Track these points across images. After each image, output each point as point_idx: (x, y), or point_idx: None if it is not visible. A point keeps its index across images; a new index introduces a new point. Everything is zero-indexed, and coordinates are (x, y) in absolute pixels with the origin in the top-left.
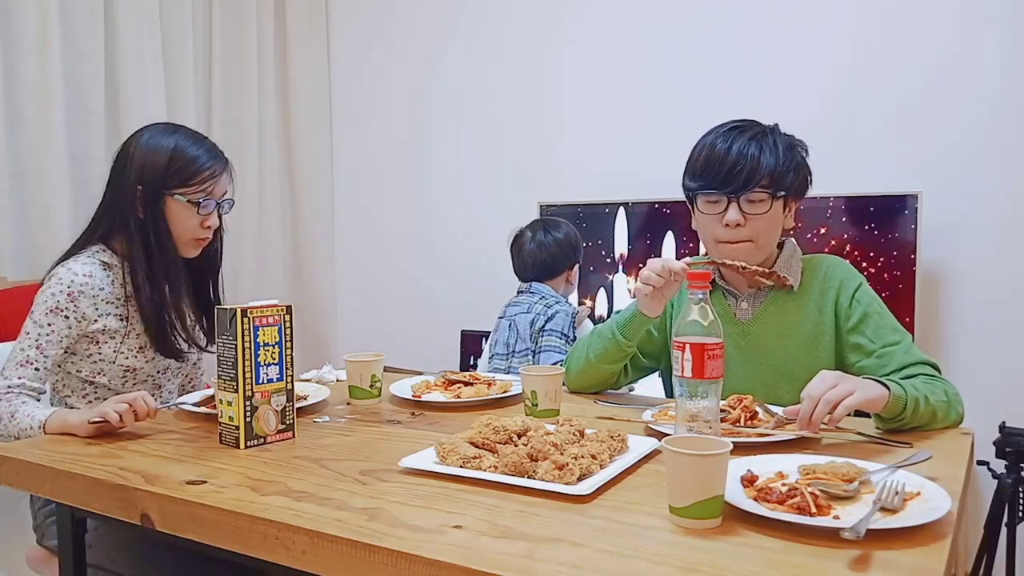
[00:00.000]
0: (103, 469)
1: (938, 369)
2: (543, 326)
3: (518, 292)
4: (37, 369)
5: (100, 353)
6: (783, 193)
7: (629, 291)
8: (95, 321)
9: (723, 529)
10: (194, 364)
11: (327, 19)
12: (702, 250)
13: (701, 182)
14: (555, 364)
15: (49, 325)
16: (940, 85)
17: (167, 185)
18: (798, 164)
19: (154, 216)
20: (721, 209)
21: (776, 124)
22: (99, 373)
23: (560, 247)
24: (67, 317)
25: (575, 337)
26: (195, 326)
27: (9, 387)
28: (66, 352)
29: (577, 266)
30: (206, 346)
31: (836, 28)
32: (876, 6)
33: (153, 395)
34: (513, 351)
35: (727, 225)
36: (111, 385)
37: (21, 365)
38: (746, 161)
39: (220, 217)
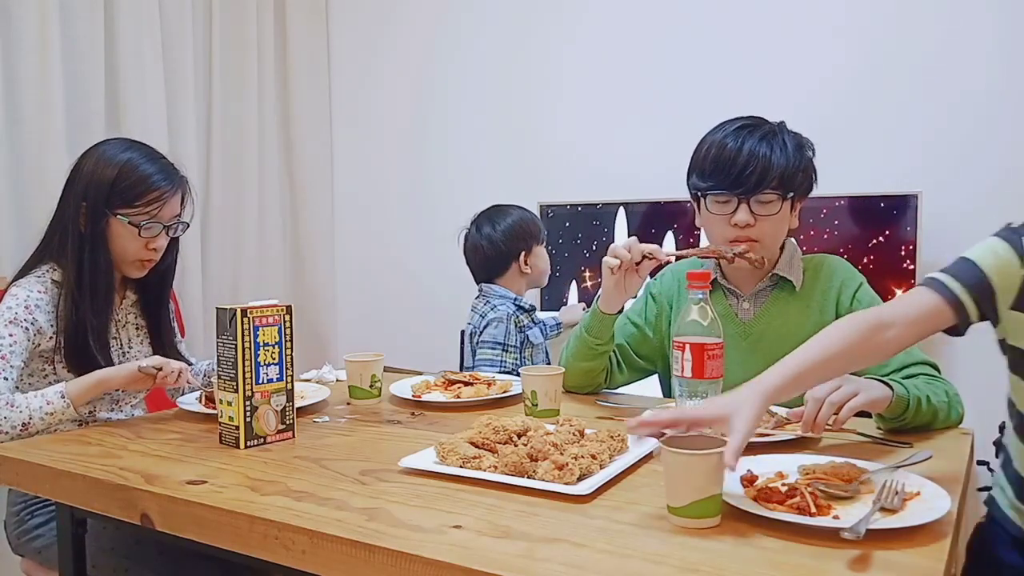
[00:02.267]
0: (103, 469)
1: (937, 369)
2: (479, 339)
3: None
4: (6, 379)
5: (55, 374)
6: (792, 194)
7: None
8: (50, 338)
9: (723, 529)
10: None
11: (327, 19)
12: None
13: (711, 182)
14: None
15: (10, 335)
16: (939, 85)
17: (111, 204)
18: (806, 164)
19: (94, 234)
20: (731, 210)
21: (783, 122)
22: None
23: (508, 237)
24: (26, 328)
25: (523, 341)
26: (141, 354)
27: None
28: (24, 367)
29: (536, 248)
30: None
31: (835, 27)
32: (876, 5)
33: (111, 410)
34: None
35: (735, 225)
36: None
37: None
38: (757, 161)
39: (176, 238)
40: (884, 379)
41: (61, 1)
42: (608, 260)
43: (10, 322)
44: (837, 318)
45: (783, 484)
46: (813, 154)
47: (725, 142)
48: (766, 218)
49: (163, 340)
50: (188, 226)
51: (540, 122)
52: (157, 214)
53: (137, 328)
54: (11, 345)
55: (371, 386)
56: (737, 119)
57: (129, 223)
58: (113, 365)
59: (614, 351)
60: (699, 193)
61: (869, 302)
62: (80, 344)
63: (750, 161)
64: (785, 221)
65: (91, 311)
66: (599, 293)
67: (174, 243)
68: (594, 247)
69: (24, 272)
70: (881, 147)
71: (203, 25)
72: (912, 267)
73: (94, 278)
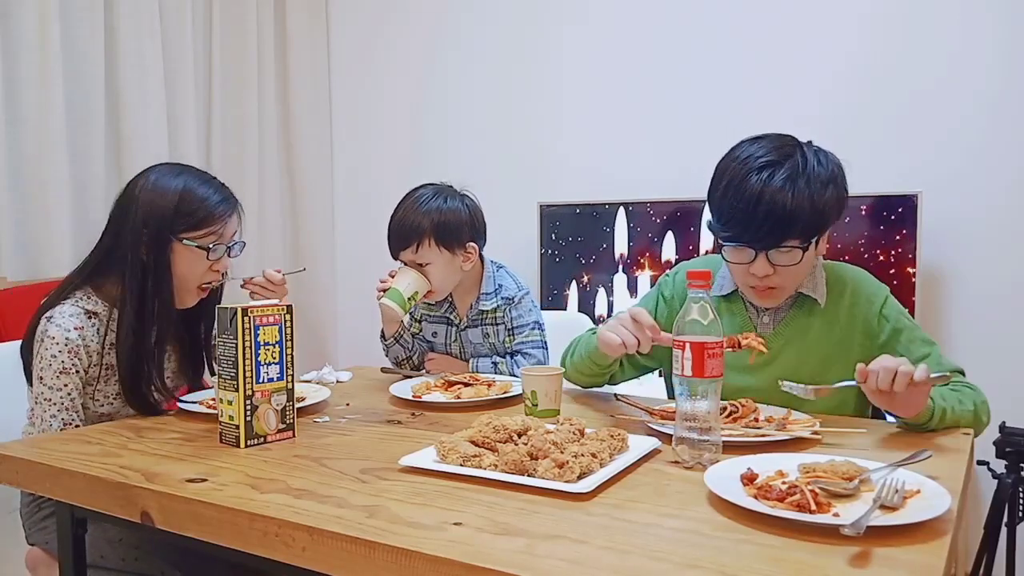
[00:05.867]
0: (103, 467)
1: (963, 373)
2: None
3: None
4: (77, 426)
5: (93, 398)
6: (817, 237)
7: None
8: (89, 370)
9: (723, 526)
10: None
11: (327, 19)
12: (702, 251)
13: (728, 232)
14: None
15: (66, 386)
16: (940, 85)
17: (175, 229)
18: (835, 199)
19: (157, 261)
20: (749, 259)
21: (810, 144)
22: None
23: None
24: (77, 372)
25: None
26: (170, 372)
27: None
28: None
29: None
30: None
31: (837, 28)
32: (876, 6)
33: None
34: None
35: (754, 275)
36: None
37: (62, 430)
38: (777, 214)
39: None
40: None
41: (61, 1)
42: (612, 339)
43: (61, 372)
44: (862, 335)
45: (783, 482)
46: (843, 177)
47: (744, 186)
48: (787, 268)
49: (199, 362)
50: (244, 245)
51: (540, 122)
52: (221, 234)
53: (171, 349)
54: (70, 395)
55: (408, 299)
56: (761, 145)
57: (197, 246)
58: (167, 389)
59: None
60: (717, 238)
61: (896, 317)
62: (140, 372)
63: (770, 214)
64: (809, 263)
65: (153, 339)
66: (600, 327)
67: None
68: (594, 247)
69: (58, 296)
70: (881, 147)
71: (203, 25)
72: (912, 267)
73: (156, 306)
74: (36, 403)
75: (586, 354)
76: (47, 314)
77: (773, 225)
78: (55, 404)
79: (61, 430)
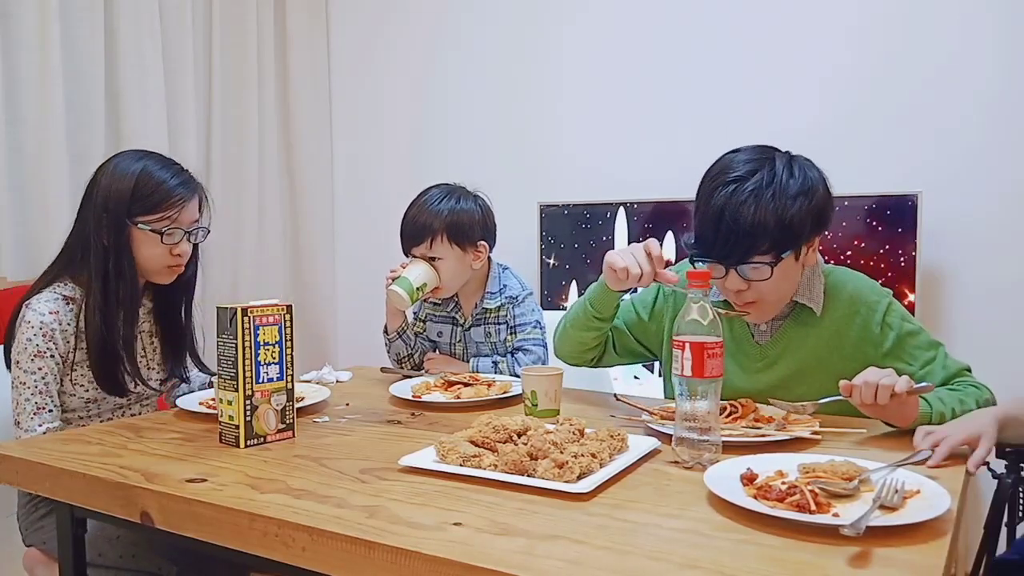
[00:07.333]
0: (103, 467)
1: (970, 371)
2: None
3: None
4: (51, 411)
5: (62, 384)
6: (788, 252)
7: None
8: (67, 355)
9: (723, 526)
10: (170, 390)
11: (327, 19)
12: None
13: (696, 248)
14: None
15: (40, 369)
16: (940, 85)
17: (131, 213)
18: (807, 212)
19: (117, 244)
20: (721, 275)
21: (788, 155)
22: (63, 403)
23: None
24: (52, 356)
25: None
26: (152, 360)
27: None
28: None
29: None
30: (160, 385)
31: (836, 28)
32: (876, 6)
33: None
34: None
35: (728, 290)
36: (76, 414)
37: (35, 414)
38: (738, 231)
39: (196, 246)
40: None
41: (61, 1)
42: (617, 261)
43: (36, 356)
44: (863, 343)
45: (783, 482)
46: (825, 187)
47: (710, 201)
48: (760, 282)
49: (180, 347)
50: (208, 232)
51: (540, 122)
52: (177, 219)
53: (151, 336)
54: (44, 378)
55: (417, 289)
56: (735, 158)
57: (151, 230)
58: (139, 371)
59: (611, 331)
60: (691, 255)
61: (899, 324)
62: (110, 354)
63: (732, 230)
64: (788, 274)
65: (121, 320)
66: (608, 252)
67: (195, 252)
68: (594, 247)
69: (38, 287)
70: (881, 147)
71: (203, 25)
72: (912, 267)
73: (120, 288)
74: (13, 387)
75: (585, 302)
76: (27, 302)
77: (736, 241)
78: (29, 387)
79: (34, 414)
